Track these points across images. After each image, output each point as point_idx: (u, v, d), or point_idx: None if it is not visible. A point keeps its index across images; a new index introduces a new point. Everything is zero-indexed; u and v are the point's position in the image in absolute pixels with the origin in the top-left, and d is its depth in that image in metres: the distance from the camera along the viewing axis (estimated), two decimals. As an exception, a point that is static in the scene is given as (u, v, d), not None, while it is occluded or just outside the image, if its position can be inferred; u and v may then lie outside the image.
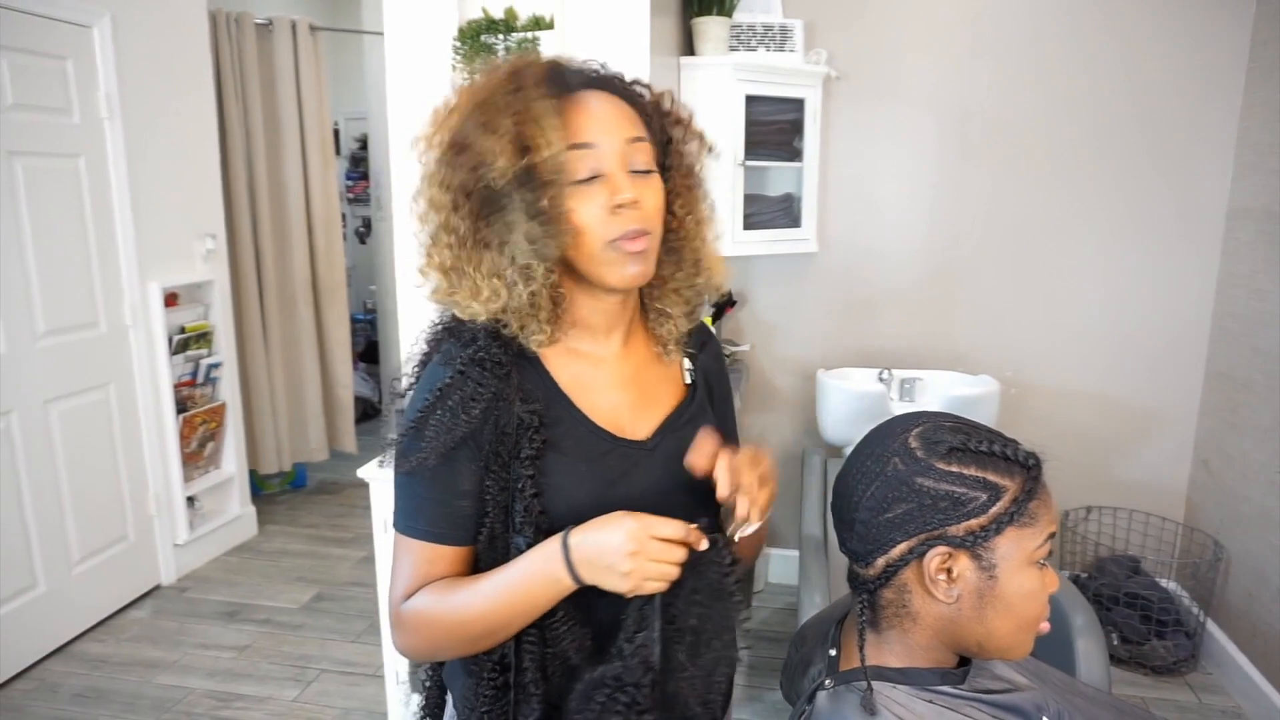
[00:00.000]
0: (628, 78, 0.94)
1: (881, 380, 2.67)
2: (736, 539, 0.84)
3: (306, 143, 3.74)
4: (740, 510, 0.82)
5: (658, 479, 0.93)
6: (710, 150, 0.99)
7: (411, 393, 0.92)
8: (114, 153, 2.80)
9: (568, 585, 0.82)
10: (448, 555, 0.89)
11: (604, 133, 0.86)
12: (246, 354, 3.62)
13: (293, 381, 3.88)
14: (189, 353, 3.18)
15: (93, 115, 2.74)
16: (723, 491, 0.83)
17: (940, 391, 2.56)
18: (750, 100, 2.48)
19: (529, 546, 0.85)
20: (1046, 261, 2.75)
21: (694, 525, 0.81)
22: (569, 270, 0.90)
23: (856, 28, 2.70)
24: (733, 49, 2.58)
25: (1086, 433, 2.80)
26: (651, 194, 0.88)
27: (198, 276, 3.20)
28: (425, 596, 0.87)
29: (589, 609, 0.88)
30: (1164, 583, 2.71)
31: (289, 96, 3.64)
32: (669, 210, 0.93)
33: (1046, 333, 2.79)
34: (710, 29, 2.50)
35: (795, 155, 2.67)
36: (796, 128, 2.65)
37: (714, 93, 2.45)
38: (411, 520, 0.89)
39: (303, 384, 3.89)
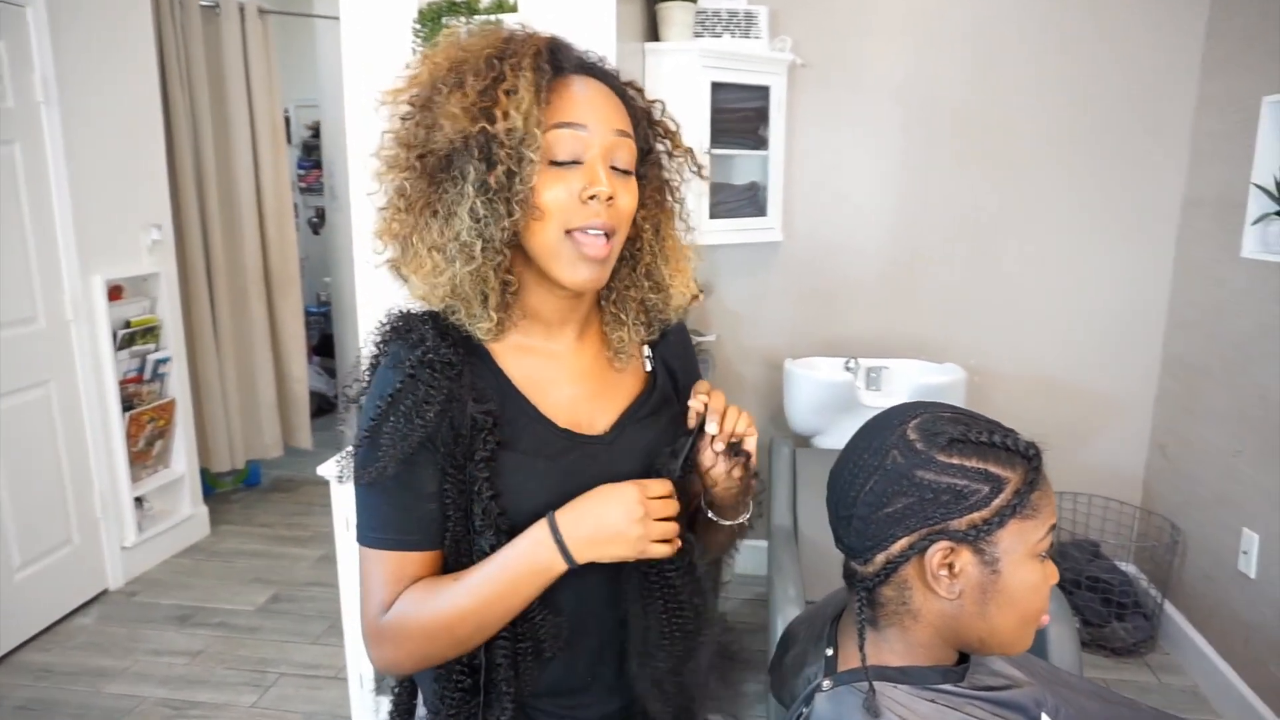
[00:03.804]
0: (623, 78, 0.91)
1: (848, 369, 2.67)
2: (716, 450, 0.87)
3: (256, 130, 3.62)
4: (710, 428, 0.85)
5: (617, 472, 0.89)
6: (696, 169, 0.96)
7: (364, 400, 0.87)
8: (51, 139, 2.68)
9: (559, 570, 0.81)
10: (421, 561, 0.85)
11: (594, 118, 0.82)
12: (196, 348, 3.49)
13: (245, 376, 3.76)
14: (135, 348, 3.06)
15: (28, 99, 2.61)
16: (692, 416, 0.87)
17: (907, 380, 2.57)
18: (716, 87, 2.46)
19: (492, 549, 0.83)
20: (1008, 250, 2.77)
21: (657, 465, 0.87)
22: (523, 255, 0.86)
23: (821, 14, 2.69)
24: (697, 35, 2.55)
25: (1046, 418, 2.84)
26: (627, 195, 0.85)
27: (143, 268, 3.07)
28: (406, 603, 0.83)
29: (553, 597, 0.85)
30: (1123, 566, 2.76)
31: (237, 82, 3.52)
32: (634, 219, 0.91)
33: (1007, 320, 2.81)
34: (675, 14, 2.46)
35: (761, 143, 2.65)
36: (762, 116, 2.63)
37: (680, 79, 2.42)
38: (379, 532, 0.85)
39: (255, 379, 3.78)
